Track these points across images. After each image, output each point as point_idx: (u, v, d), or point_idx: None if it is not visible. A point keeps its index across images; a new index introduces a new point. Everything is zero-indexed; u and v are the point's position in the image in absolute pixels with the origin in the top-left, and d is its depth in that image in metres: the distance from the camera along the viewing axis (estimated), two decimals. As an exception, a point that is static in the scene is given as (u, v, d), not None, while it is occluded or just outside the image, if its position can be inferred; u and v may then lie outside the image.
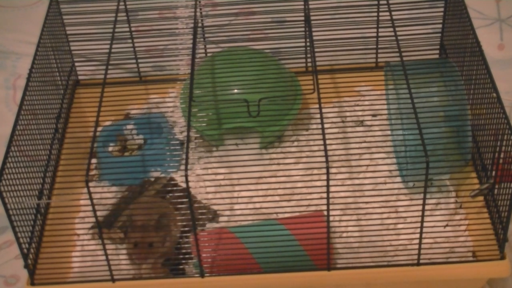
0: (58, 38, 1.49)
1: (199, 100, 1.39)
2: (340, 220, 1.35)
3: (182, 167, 1.44)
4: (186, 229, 1.21)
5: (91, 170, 1.36)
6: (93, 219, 1.17)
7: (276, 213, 1.32)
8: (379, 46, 1.53)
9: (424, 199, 1.16)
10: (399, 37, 1.30)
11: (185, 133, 1.39)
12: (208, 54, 1.56)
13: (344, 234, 1.33)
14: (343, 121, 1.52)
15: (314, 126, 1.51)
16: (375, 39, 1.52)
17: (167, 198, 1.37)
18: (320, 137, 1.18)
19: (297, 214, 1.30)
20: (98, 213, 1.17)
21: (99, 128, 1.52)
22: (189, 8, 1.41)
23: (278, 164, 1.45)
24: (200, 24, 1.53)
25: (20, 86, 1.67)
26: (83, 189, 1.39)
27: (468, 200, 1.31)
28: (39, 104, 1.35)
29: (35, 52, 1.37)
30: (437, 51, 1.53)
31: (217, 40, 1.58)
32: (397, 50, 1.28)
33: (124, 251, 1.32)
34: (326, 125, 1.47)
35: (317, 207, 1.30)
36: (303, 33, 1.47)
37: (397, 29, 1.31)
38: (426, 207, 1.22)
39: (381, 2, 1.46)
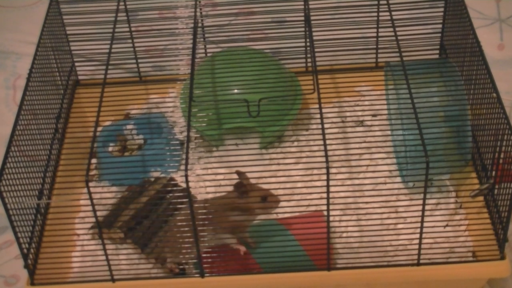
0: (58, 38, 1.49)
1: (199, 100, 1.39)
2: (340, 220, 1.35)
3: (182, 167, 1.44)
4: (186, 229, 1.20)
5: (91, 170, 1.36)
6: (93, 219, 1.17)
7: (276, 213, 1.32)
8: (379, 46, 1.53)
9: (424, 199, 1.16)
10: (399, 37, 1.30)
11: (185, 133, 1.39)
12: (208, 54, 1.56)
13: (344, 234, 1.33)
14: (343, 121, 1.52)
15: (314, 126, 1.51)
16: (375, 39, 1.52)
17: (167, 198, 1.37)
18: (320, 137, 1.17)
19: (297, 214, 1.30)
20: (98, 213, 1.17)
21: (99, 128, 1.52)
22: (189, 8, 1.41)
23: (278, 164, 1.45)
24: (200, 24, 1.53)
25: (20, 86, 1.67)
26: (83, 189, 1.39)
27: (468, 200, 1.31)
28: (39, 104, 1.35)
29: (35, 52, 1.37)
30: (437, 51, 1.53)
31: (217, 40, 1.58)
32: (397, 50, 1.28)
33: (124, 251, 1.32)
34: (326, 125, 1.47)
35: (317, 207, 1.30)
36: (303, 33, 1.47)
37: (397, 29, 1.31)
38: (426, 207, 1.22)
39: (381, 2, 1.46)
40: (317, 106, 1.20)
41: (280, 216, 1.31)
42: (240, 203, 1.21)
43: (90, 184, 1.14)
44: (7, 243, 1.43)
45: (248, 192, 1.21)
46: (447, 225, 1.34)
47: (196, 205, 1.23)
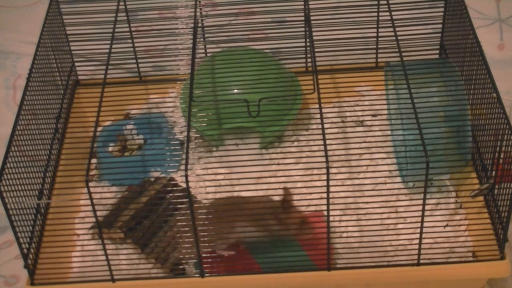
0: (58, 38, 1.49)
1: (199, 100, 1.39)
2: (340, 220, 1.35)
3: (182, 167, 1.44)
4: (186, 229, 1.21)
5: (91, 170, 1.36)
6: (93, 219, 1.17)
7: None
8: (379, 46, 1.53)
9: (424, 199, 1.16)
10: (399, 37, 1.30)
11: (185, 133, 1.39)
12: (208, 54, 1.56)
13: (344, 234, 1.33)
14: (343, 121, 1.52)
15: (314, 126, 1.51)
16: (375, 39, 1.52)
17: (167, 198, 1.37)
18: (320, 137, 1.17)
19: (297, 214, 1.30)
20: (98, 213, 1.17)
21: (99, 128, 1.52)
22: (189, 8, 1.41)
23: (278, 164, 1.44)
24: (200, 24, 1.53)
25: (20, 86, 1.67)
26: (83, 189, 1.39)
27: (468, 200, 1.31)
28: (39, 104, 1.35)
29: (35, 52, 1.37)
30: (437, 51, 1.53)
31: (217, 40, 1.58)
32: (397, 50, 1.28)
33: (124, 251, 1.32)
34: (326, 125, 1.47)
35: (317, 207, 1.30)
36: (303, 33, 1.47)
37: (397, 29, 1.31)
38: (426, 207, 1.22)
39: (381, 2, 1.46)
40: (317, 106, 1.20)
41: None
42: (280, 216, 1.22)
43: (90, 184, 1.14)
44: (7, 243, 1.43)
45: (289, 211, 1.22)
46: (447, 225, 1.34)
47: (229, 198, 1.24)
